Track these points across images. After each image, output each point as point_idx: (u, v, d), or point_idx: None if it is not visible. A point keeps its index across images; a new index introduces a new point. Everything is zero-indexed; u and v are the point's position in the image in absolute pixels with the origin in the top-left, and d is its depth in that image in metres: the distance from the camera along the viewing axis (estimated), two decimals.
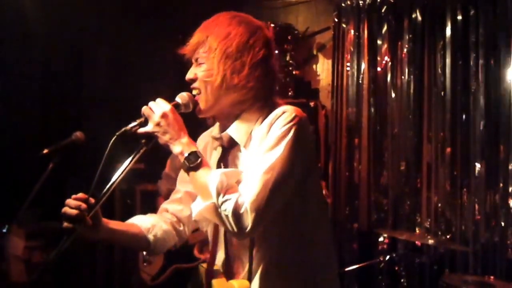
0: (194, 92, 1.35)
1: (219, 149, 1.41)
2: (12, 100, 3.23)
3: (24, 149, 2.80)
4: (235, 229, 1.17)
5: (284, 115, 1.26)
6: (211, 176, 1.21)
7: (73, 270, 3.31)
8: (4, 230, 2.49)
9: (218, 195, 1.17)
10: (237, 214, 1.15)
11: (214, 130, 1.46)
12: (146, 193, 3.42)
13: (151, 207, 3.30)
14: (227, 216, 1.16)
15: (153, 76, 3.53)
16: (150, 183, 3.36)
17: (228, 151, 1.38)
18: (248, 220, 1.15)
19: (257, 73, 1.32)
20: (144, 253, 1.43)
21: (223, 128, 1.39)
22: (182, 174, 1.52)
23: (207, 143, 1.50)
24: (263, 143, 1.24)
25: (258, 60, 1.32)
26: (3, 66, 3.16)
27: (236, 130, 1.34)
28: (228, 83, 1.30)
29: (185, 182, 1.48)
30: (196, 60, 1.35)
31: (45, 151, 1.74)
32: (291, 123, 1.24)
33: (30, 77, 3.38)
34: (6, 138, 3.12)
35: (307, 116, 1.31)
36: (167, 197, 3.50)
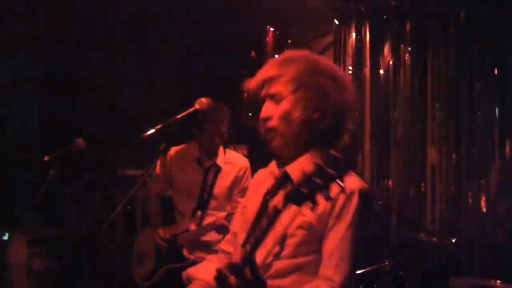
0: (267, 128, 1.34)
1: (270, 183, 1.39)
2: (14, 108, 3.24)
3: (25, 157, 2.80)
4: None
5: (360, 204, 1.25)
6: None
7: (74, 275, 3.30)
8: (5, 238, 2.48)
9: None
10: None
11: (271, 165, 1.45)
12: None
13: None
14: None
15: (153, 86, 3.53)
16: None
17: (279, 188, 1.35)
18: None
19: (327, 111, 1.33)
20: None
21: (281, 165, 1.38)
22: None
23: (263, 178, 1.48)
24: (337, 231, 1.25)
25: (330, 97, 1.33)
26: (4, 73, 3.16)
27: (293, 168, 1.31)
28: (308, 120, 1.31)
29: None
30: (272, 96, 1.34)
31: (46, 158, 1.74)
32: (365, 214, 1.27)
33: (31, 85, 3.38)
34: (7, 146, 3.12)
35: None
36: (157, 198, 3.37)
